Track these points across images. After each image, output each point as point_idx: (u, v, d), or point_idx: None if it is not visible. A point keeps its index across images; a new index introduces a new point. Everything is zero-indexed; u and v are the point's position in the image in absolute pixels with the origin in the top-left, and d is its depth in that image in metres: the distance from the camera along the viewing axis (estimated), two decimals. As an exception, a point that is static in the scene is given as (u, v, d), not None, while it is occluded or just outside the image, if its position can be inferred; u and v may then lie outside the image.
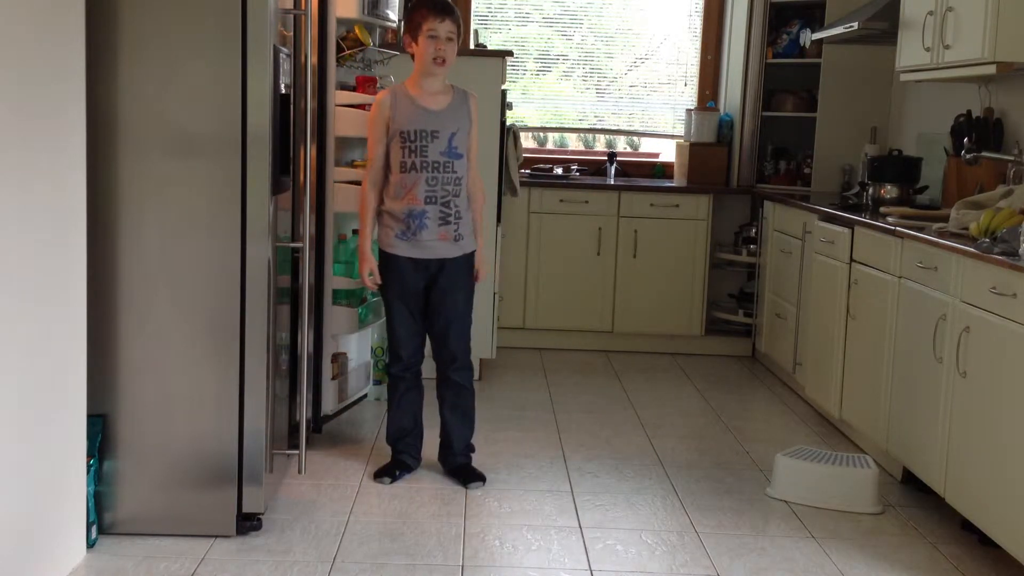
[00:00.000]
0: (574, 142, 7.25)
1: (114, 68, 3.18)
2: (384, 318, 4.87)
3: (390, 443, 4.11)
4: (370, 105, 4.35)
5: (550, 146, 7.23)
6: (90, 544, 3.25)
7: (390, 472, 4.01)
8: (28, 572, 2.88)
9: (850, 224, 4.67)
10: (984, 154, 4.49)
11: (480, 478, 3.99)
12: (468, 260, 3.96)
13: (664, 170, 6.90)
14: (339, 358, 4.40)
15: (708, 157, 6.53)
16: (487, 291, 5.47)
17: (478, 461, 4.13)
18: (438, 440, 4.12)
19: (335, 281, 4.29)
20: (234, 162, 3.23)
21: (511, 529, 3.60)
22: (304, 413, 3.61)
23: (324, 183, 4.19)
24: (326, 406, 4.29)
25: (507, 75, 5.56)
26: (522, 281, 6.32)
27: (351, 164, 4.46)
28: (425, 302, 3.94)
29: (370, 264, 3.91)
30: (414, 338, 3.98)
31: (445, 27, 3.77)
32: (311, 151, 3.91)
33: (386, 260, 3.91)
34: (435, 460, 4.18)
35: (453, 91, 3.89)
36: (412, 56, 3.86)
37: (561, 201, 6.30)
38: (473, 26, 6.64)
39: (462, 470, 4.03)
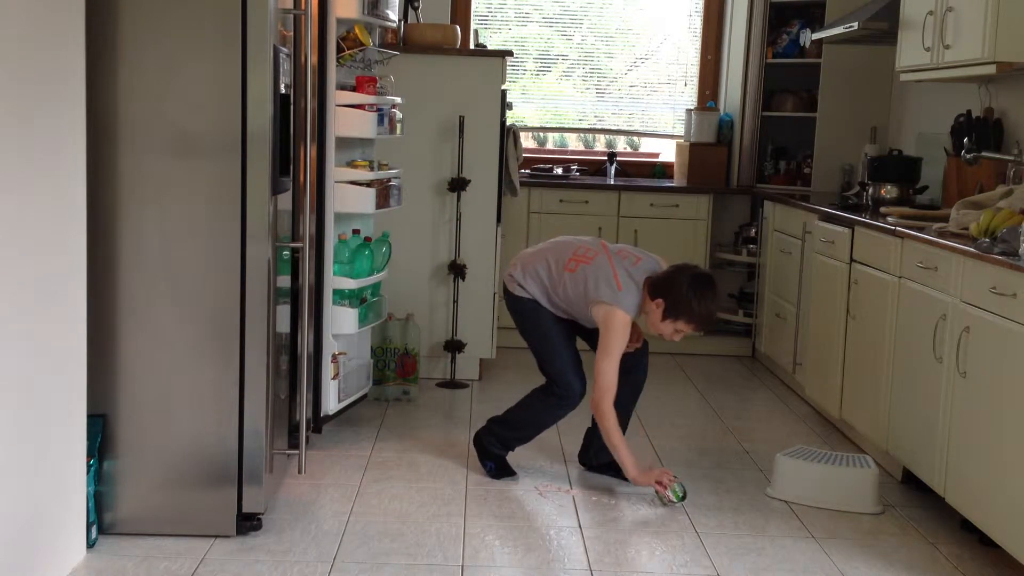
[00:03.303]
0: (574, 142, 7.25)
1: (114, 68, 3.18)
2: (383, 319, 4.90)
3: (511, 447, 4.14)
4: (370, 106, 4.37)
5: (550, 146, 7.24)
6: (90, 544, 3.25)
7: (510, 471, 4.10)
8: (28, 572, 2.88)
9: (850, 224, 4.67)
10: (984, 154, 4.48)
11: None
12: None
13: (664, 170, 6.90)
14: (339, 358, 4.40)
15: (708, 157, 6.52)
16: (487, 291, 5.47)
17: (474, 461, 4.15)
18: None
19: (335, 281, 4.29)
20: (234, 162, 3.23)
21: (511, 529, 3.60)
22: (304, 413, 3.61)
23: (324, 183, 4.20)
24: (326, 406, 4.29)
25: (507, 75, 5.55)
26: (522, 281, 6.31)
27: (351, 164, 4.46)
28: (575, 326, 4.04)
29: (656, 472, 3.92)
30: (578, 358, 4.03)
31: (695, 332, 3.89)
32: (311, 151, 3.92)
33: (537, 305, 3.96)
34: (436, 458, 4.19)
35: None
36: (649, 297, 3.81)
37: (561, 201, 6.30)
38: (473, 26, 6.64)
39: (616, 465, 4.10)
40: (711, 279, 3.86)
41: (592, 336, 4.01)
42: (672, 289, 3.78)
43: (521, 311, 4.02)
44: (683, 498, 3.84)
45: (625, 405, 4.12)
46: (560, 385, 3.99)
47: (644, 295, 3.83)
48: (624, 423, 4.16)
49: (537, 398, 4.07)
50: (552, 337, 3.97)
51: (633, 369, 4.09)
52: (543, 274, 3.94)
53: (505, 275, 4.09)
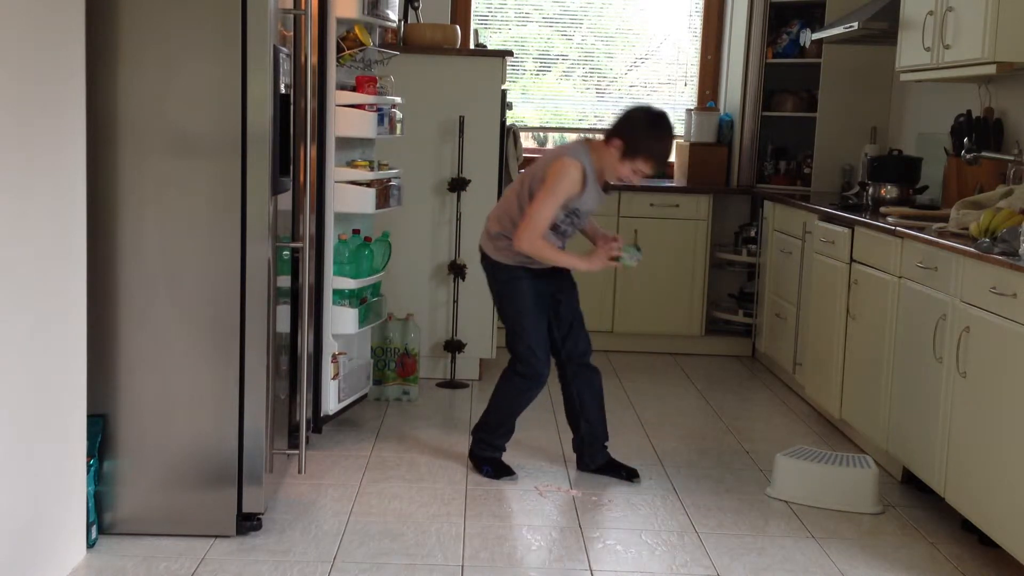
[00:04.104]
0: (574, 142, 7.24)
1: (114, 68, 3.18)
2: (383, 319, 4.90)
3: (500, 445, 4.12)
4: (370, 106, 4.37)
5: (550, 146, 7.23)
6: (90, 544, 3.25)
7: (508, 470, 4.10)
8: (28, 572, 2.88)
9: (850, 224, 4.67)
10: (984, 154, 4.48)
11: (636, 470, 4.13)
12: None
13: (664, 170, 6.90)
14: (339, 358, 4.40)
15: (708, 157, 6.53)
16: (487, 291, 5.45)
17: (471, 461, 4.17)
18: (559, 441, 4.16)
19: (335, 281, 4.29)
20: (234, 162, 3.23)
21: (511, 529, 3.60)
22: (304, 413, 3.61)
23: (324, 183, 4.19)
24: (326, 406, 4.29)
25: (507, 75, 5.56)
26: (522, 281, 6.30)
27: (351, 164, 4.46)
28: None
29: (595, 254, 3.91)
30: (547, 340, 4.03)
31: (653, 172, 3.89)
32: (311, 151, 3.91)
33: (514, 272, 3.96)
34: (436, 458, 4.19)
35: None
36: (604, 142, 3.85)
37: (561, 201, 6.29)
38: (473, 26, 6.64)
39: (616, 465, 4.13)
40: (666, 115, 3.89)
41: (561, 314, 4.03)
42: (629, 127, 3.81)
43: (498, 279, 4.01)
44: (638, 253, 3.89)
45: (593, 409, 4.12)
46: (524, 363, 3.98)
47: (598, 149, 3.85)
48: (602, 429, 4.14)
49: (504, 383, 4.08)
50: (526, 312, 3.96)
51: (579, 370, 4.08)
52: (501, 203, 3.99)
53: (480, 238, 4.09)
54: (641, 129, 3.80)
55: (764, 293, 6.06)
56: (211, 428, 3.31)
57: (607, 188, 3.99)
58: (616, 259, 3.91)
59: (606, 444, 4.16)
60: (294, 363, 3.80)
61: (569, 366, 4.09)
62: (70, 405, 3.09)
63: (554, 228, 3.88)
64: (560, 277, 4.04)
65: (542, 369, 4.00)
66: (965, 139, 4.62)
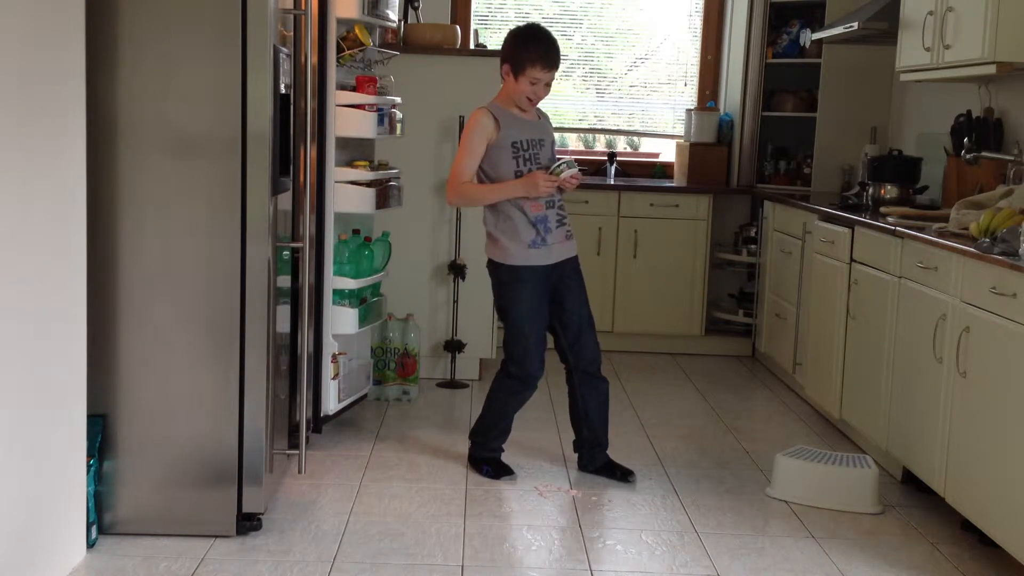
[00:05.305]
0: (574, 142, 7.25)
1: (114, 69, 3.19)
2: (383, 318, 4.90)
3: (497, 446, 4.13)
4: (370, 106, 4.37)
5: (550, 146, 7.23)
6: (90, 544, 3.25)
7: (508, 470, 4.10)
8: (28, 572, 2.88)
9: (850, 224, 4.67)
10: (984, 154, 4.49)
11: (631, 471, 4.13)
12: (577, 260, 4.11)
13: (664, 170, 6.90)
14: (339, 358, 4.40)
15: (708, 157, 6.53)
16: (487, 291, 5.46)
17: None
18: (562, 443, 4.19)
19: (335, 281, 4.29)
20: (234, 162, 3.23)
21: (511, 529, 3.60)
22: (304, 413, 3.61)
23: (324, 183, 4.20)
24: (326, 406, 4.29)
25: (507, 75, 5.55)
26: (522, 281, 6.30)
27: (351, 164, 4.47)
28: (551, 308, 4.03)
29: (535, 175, 3.88)
30: (543, 344, 4.02)
31: (549, 76, 3.90)
32: (311, 151, 3.92)
33: (516, 274, 3.95)
34: (435, 458, 4.20)
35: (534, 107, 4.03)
36: (502, 78, 3.94)
37: (561, 201, 6.29)
38: (473, 26, 6.64)
39: (613, 465, 4.12)
40: (533, 24, 4.00)
41: (566, 321, 4.03)
42: (505, 50, 3.93)
43: (500, 280, 4.01)
44: (572, 168, 3.88)
45: (597, 417, 4.11)
46: (516, 364, 3.99)
47: (503, 90, 3.95)
48: (603, 436, 4.14)
49: (497, 385, 4.09)
50: (524, 315, 3.96)
51: (586, 377, 4.07)
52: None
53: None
54: (513, 45, 3.91)
55: (764, 293, 6.06)
56: (211, 428, 3.31)
57: (540, 115, 4.04)
58: (554, 173, 3.90)
59: (606, 449, 4.16)
60: (294, 363, 3.80)
61: (577, 373, 4.09)
62: (70, 405, 3.09)
63: (517, 177, 3.90)
64: (564, 275, 4.02)
65: (535, 372, 4.00)
66: (965, 139, 4.62)
